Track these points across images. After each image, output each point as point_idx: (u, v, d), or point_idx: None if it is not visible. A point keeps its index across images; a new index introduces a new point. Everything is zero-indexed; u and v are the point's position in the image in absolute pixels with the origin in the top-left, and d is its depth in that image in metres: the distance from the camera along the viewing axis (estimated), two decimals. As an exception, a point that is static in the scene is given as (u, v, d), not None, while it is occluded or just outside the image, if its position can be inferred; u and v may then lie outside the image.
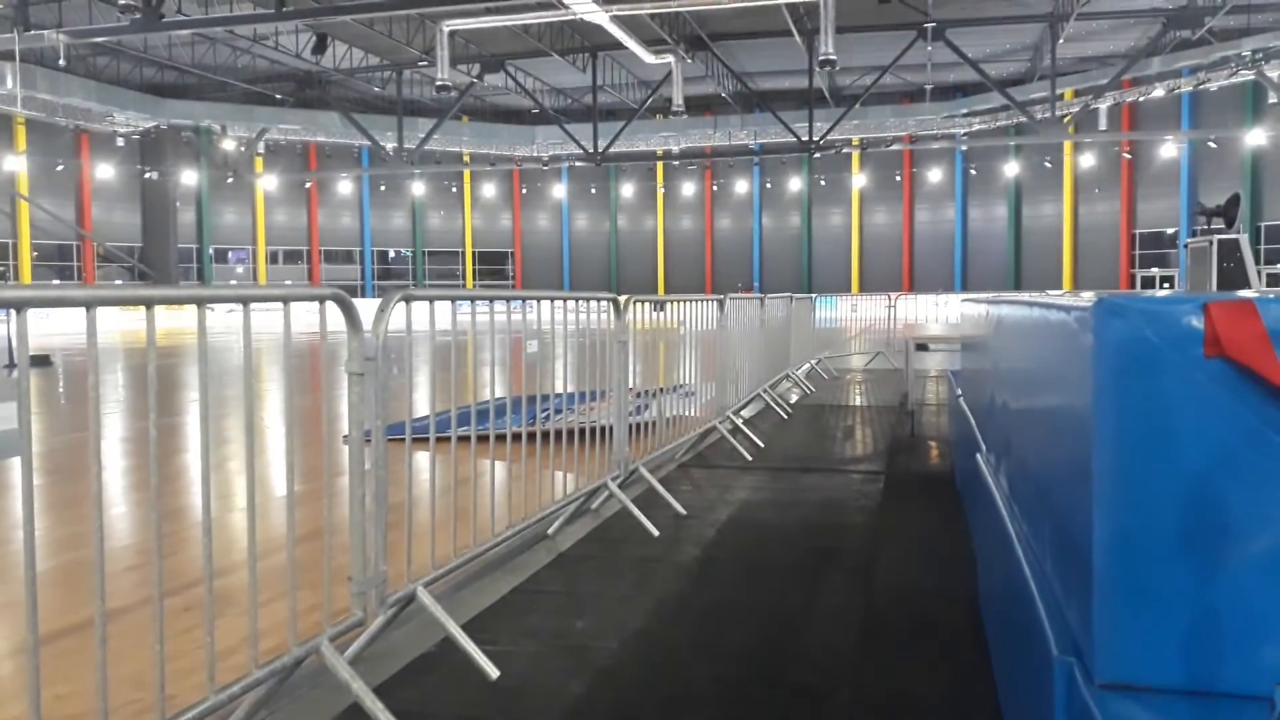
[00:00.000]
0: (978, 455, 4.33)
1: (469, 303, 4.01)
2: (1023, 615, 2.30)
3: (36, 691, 2.05)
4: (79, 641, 2.42)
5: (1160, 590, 1.69)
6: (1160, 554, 1.70)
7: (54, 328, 18.34)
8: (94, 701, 2.19)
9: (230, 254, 49.19)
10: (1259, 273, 20.98)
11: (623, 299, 5.59)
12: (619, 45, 28.53)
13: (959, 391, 6.52)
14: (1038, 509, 2.55)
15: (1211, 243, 19.48)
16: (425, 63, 32.48)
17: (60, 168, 41.68)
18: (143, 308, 2.40)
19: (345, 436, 3.05)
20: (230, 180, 45.73)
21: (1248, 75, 33.95)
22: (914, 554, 4.82)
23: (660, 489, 5.77)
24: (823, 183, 50.18)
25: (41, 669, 2.10)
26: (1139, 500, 1.71)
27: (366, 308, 2.80)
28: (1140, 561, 1.71)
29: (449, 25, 26.67)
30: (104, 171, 43.25)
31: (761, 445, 7.98)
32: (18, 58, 26.12)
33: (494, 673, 3.21)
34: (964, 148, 44.82)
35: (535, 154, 46.89)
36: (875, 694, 3.08)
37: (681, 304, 7.44)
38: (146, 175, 43.39)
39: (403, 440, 3.42)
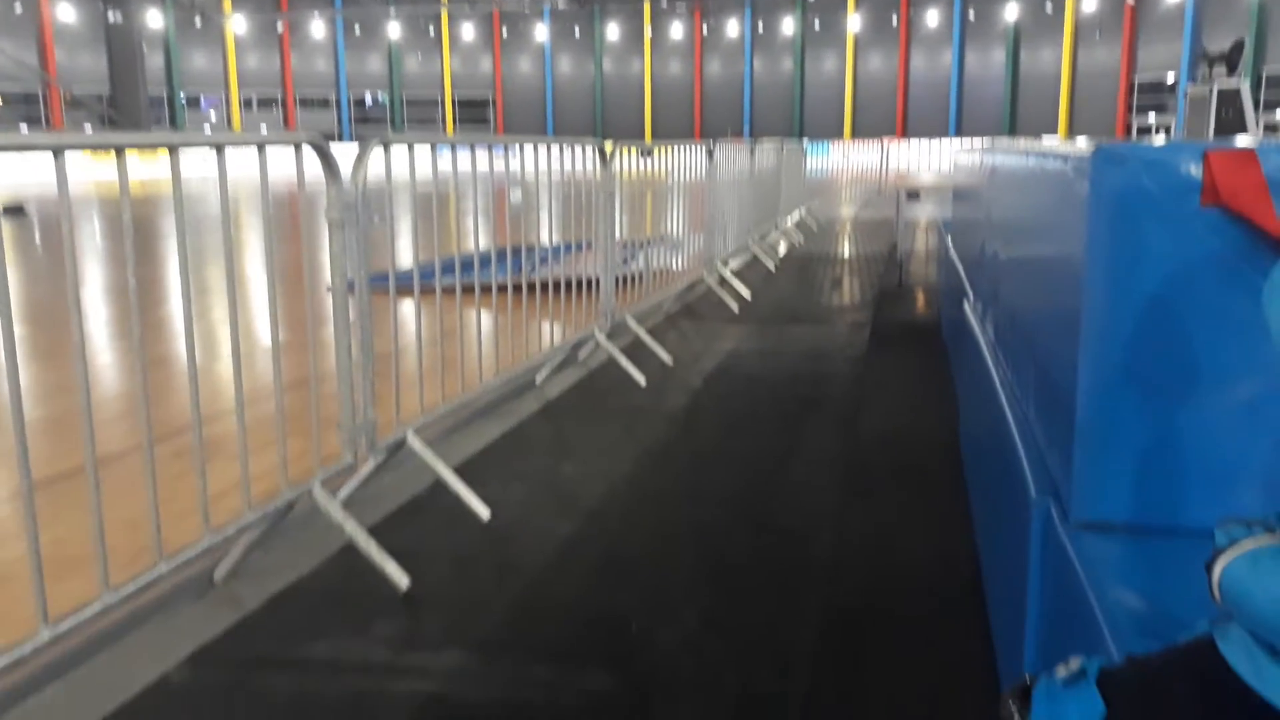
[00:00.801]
0: (965, 304, 4.34)
1: (450, 150, 3.90)
2: (1003, 459, 2.34)
3: (34, 534, 2.09)
4: (73, 486, 2.47)
5: (1139, 435, 1.72)
6: (1143, 400, 1.71)
7: (26, 179, 17.93)
8: (92, 544, 2.23)
9: (202, 101, 47.68)
10: (1257, 121, 20.64)
11: (609, 145, 5.46)
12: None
13: (949, 241, 6.49)
14: (1023, 356, 2.56)
15: (1211, 90, 19.08)
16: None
17: (19, 8, 39.83)
18: (114, 155, 2.32)
19: (329, 287, 3.01)
20: (199, 23, 43.87)
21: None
22: (898, 402, 4.89)
23: (648, 339, 5.79)
24: (817, 26, 48.52)
25: (39, 513, 2.13)
26: (1125, 347, 1.71)
27: (345, 154, 2.71)
28: (1122, 407, 1.72)
29: None
30: (65, 13, 41.39)
31: (749, 297, 7.98)
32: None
33: (485, 514, 3.29)
34: (963, -11, 43.27)
35: (517, -7, 45.06)
36: (856, 535, 3.18)
37: (669, 151, 7.28)
38: (110, 17, 41.55)
39: (386, 291, 3.39)
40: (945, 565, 2.91)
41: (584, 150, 5.15)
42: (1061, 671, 1.20)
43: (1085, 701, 1.17)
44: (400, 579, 2.79)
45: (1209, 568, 1.14)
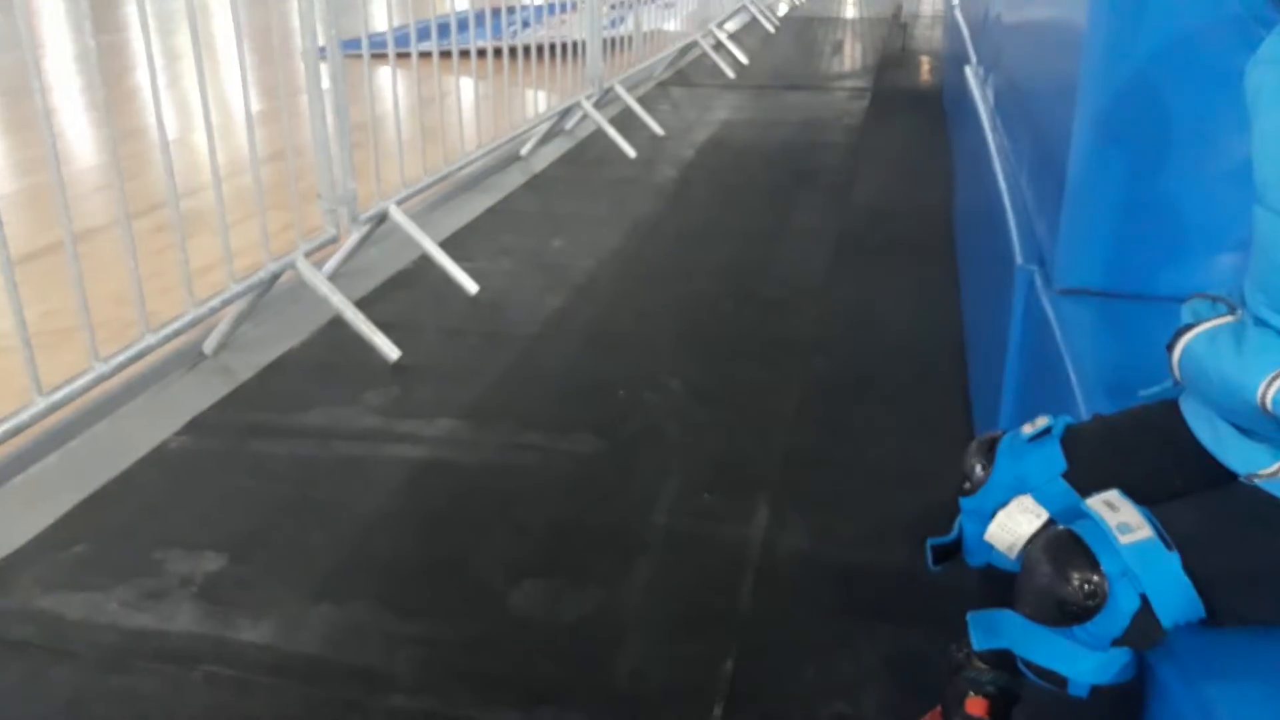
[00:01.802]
0: (967, 69, 4.17)
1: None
2: (993, 226, 2.31)
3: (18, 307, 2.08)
4: (55, 262, 2.44)
5: (1127, 201, 1.69)
6: (1134, 167, 1.67)
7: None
8: (79, 317, 2.24)
9: None
10: None
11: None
12: None
13: (955, 2, 6.16)
14: (1021, 122, 2.49)
15: None
16: None
17: None
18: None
19: (302, 52, 2.87)
20: None
21: None
22: (894, 173, 4.80)
23: (637, 108, 5.61)
24: None
25: (22, 287, 2.11)
26: (1120, 112, 1.65)
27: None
28: (1113, 173, 1.68)
29: None
30: None
31: (745, 61, 7.67)
32: None
33: (473, 288, 3.29)
34: None
35: None
36: (843, 306, 3.19)
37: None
38: None
39: (360, 56, 3.23)
40: (930, 334, 2.94)
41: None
42: (1028, 429, 1.23)
43: (1047, 457, 1.20)
44: (390, 351, 2.82)
45: (1170, 348, 1.14)
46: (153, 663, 1.73)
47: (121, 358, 2.32)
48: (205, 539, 2.05)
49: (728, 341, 2.97)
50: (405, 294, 3.31)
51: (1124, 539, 1.01)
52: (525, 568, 1.96)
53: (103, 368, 2.27)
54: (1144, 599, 1.00)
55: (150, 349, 2.41)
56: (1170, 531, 1.02)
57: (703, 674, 1.69)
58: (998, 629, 1.12)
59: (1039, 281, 1.79)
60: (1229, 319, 1.10)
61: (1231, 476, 1.09)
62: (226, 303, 2.67)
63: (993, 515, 1.19)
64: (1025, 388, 1.81)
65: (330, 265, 3.19)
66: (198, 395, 2.62)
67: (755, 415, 2.54)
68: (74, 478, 2.27)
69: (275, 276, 2.82)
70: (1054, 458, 1.20)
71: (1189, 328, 1.13)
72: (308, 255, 2.89)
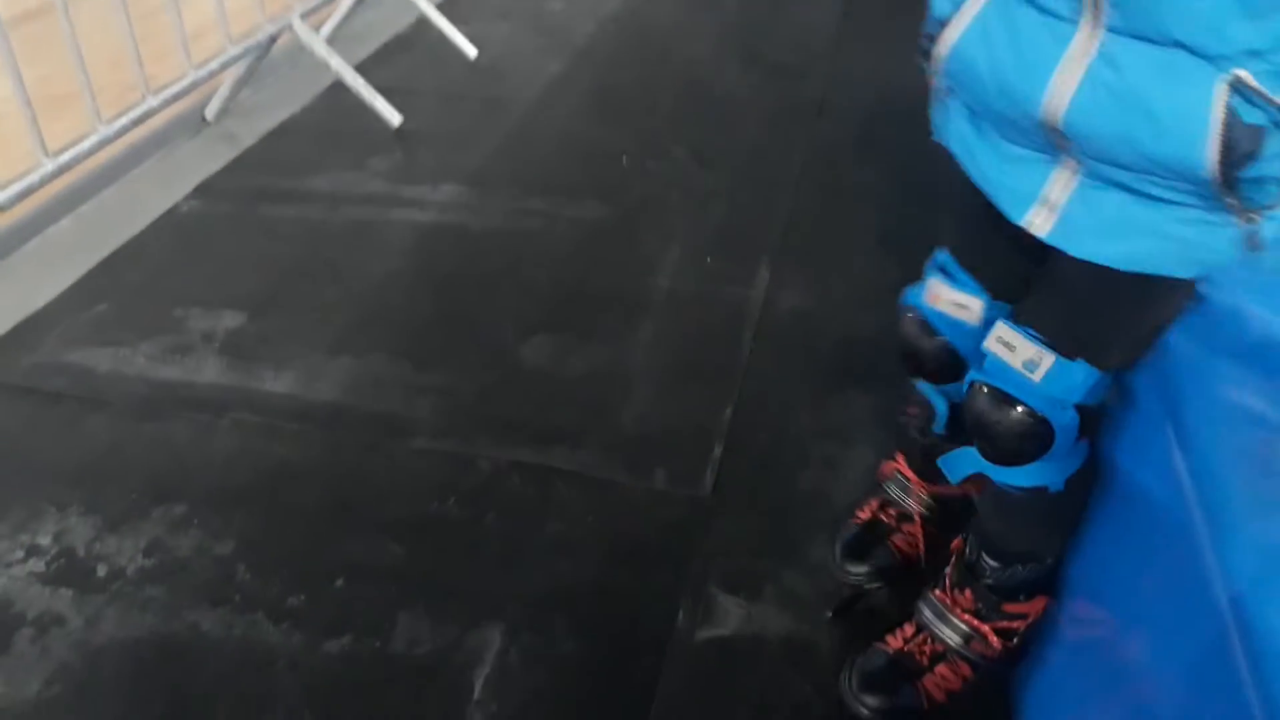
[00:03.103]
0: None
1: None
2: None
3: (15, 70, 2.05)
4: (46, 26, 2.37)
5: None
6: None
7: None
8: (77, 80, 2.21)
9: None
10: None
11: None
12: None
13: None
14: None
15: None
16: None
17: None
18: None
19: None
20: None
21: None
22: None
23: None
24: None
25: (16, 50, 2.07)
26: None
27: None
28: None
29: None
30: None
31: None
32: None
33: (471, 52, 3.21)
34: None
35: None
36: (850, 71, 3.12)
37: None
38: None
39: None
40: (938, 99, 2.89)
41: None
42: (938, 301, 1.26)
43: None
44: (391, 116, 2.79)
45: (928, 53, 1.09)
46: (182, 411, 1.83)
47: (124, 120, 2.31)
48: (223, 298, 2.12)
49: (732, 105, 2.92)
50: (404, 58, 3.24)
51: (1034, 376, 1.07)
52: (534, 325, 2.04)
53: (106, 130, 2.26)
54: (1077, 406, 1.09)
55: (152, 112, 2.39)
56: (1053, 338, 1.07)
57: (704, 419, 1.80)
58: (969, 462, 1.19)
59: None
60: None
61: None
62: (225, 65, 2.62)
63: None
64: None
65: (327, 29, 3.10)
66: (204, 160, 2.62)
67: (758, 180, 2.55)
68: (88, 241, 2.31)
69: (273, 39, 2.75)
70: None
71: (950, 18, 1.04)
72: (304, 17, 2.80)
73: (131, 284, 2.18)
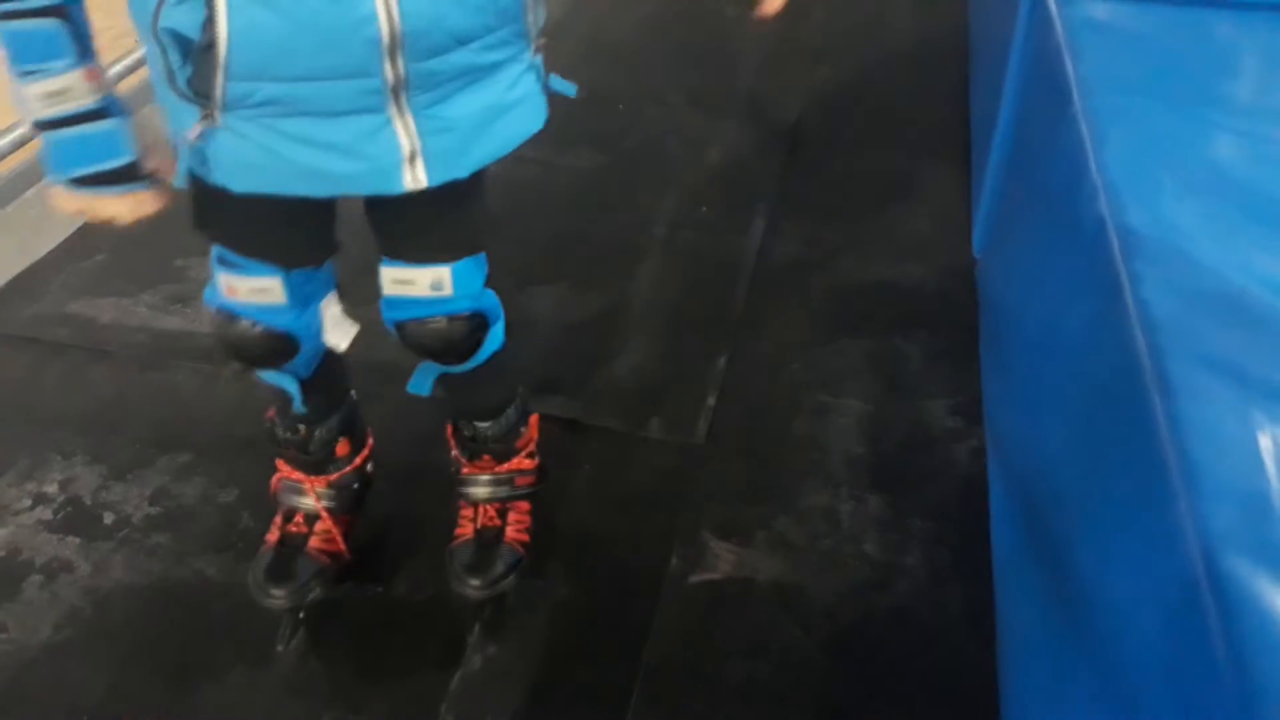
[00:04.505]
0: None
1: None
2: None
3: None
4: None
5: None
6: None
7: None
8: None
9: None
10: None
11: None
12: None
13: None
14: None
15: None
16: None
17: None
18: None
19: None
20: None
21: None
22: None
23: None
24: None
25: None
26: None
27: None
28: None
29: None
30: None
31: None
32: None
33: None
34: None
35: None
36: (850, 11, 3.08)
37: None
38: None
39: None
40: (937, 42, 2.87)
41: None
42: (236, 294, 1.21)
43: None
44: (387, 62, 2.76)
45: (200, 91, 0.94)
46: (186, 361, 1.86)
47: (119, 67, 2.29)
48: (222, 248, 2.12)
49: (730, 52, 2.90)
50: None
51: (444, 292, 1.20)
52: (530, 274, 2.05)
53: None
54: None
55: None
56: (440, 255, 1.18)
57: (698, 369, 1.82)
58: (432, 372, 1.33)
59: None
60: None
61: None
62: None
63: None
64: (1025, 91, 1.81)
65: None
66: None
67: (755, 128, 2.54)
68: (86, 191, 2.31)
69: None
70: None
71: None
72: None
73: (131, 234, 2.17)
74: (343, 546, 1.42)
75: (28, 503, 1.59)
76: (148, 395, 1.80)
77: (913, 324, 1.90)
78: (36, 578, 1.48)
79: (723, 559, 1.48)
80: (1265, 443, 0.86)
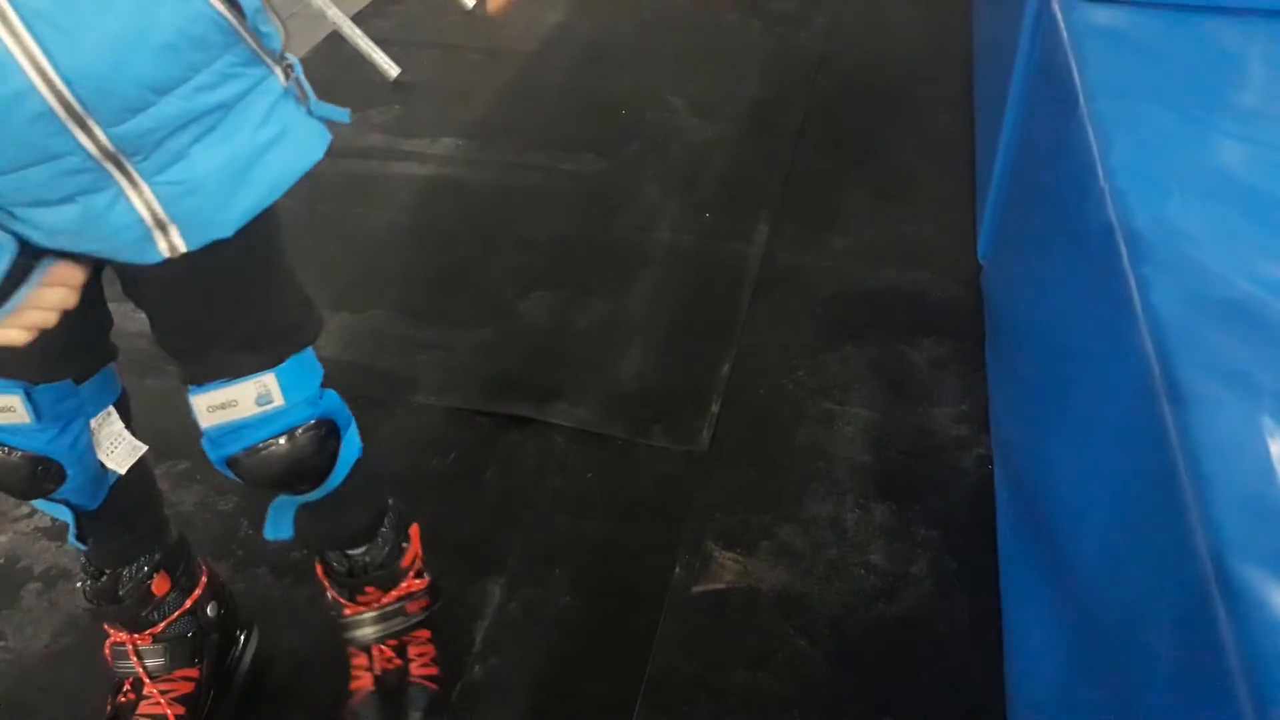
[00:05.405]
0: None
1: None
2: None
3: None
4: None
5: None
6: None
7: None
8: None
9: None
10: None
11: None
12: None
13: None
14: None
15: None
16: None
17: None
18: None
19: None
20: None
21: None
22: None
23: None
24: None
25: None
26: None
27: None
28: None
29: None
30: None
31: None
32: None
33: (469, 2, 3.17)
34: None
35: None
36: (852, 16, 3.07)
37: None
38: None
39: None
40: (940, 48, 2.85)
41: None
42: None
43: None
44: (389, 68, 2.76)
45: None
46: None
47: None
48: (223, 254, 2.12)
49: (732, 56, 2.89)
50: (401, 8, 3.20)
51: (276, 404, 0.99)
52: (533, 280, 2.04)
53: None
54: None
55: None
56: (255, 364, 0.99)
57: (702, 375, 1.81)
58: (288, 507, 1.13)
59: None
60: None
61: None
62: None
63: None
64: (1030, 96, 1.80)
65: (321, -23, 3.06)
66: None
67: (758, 133, 2.53)
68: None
69: (265, -11, 2.71)
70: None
71: None
72: (297, -34, 2.77)
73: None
74: (179, 710, 1.24)
75: (26, 510, 1.58)
76: (147, 402, 1.78)
77: (918, 331, 1.89)
78: (34, 585, 1.47)
79: (727, 568, 1.47)
80: (1276, 450, 0.85)
